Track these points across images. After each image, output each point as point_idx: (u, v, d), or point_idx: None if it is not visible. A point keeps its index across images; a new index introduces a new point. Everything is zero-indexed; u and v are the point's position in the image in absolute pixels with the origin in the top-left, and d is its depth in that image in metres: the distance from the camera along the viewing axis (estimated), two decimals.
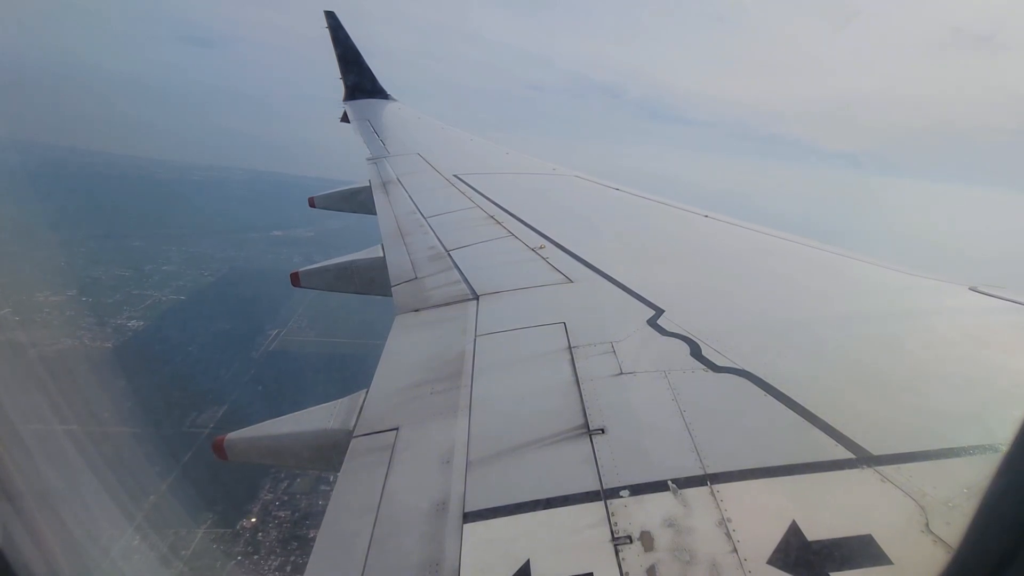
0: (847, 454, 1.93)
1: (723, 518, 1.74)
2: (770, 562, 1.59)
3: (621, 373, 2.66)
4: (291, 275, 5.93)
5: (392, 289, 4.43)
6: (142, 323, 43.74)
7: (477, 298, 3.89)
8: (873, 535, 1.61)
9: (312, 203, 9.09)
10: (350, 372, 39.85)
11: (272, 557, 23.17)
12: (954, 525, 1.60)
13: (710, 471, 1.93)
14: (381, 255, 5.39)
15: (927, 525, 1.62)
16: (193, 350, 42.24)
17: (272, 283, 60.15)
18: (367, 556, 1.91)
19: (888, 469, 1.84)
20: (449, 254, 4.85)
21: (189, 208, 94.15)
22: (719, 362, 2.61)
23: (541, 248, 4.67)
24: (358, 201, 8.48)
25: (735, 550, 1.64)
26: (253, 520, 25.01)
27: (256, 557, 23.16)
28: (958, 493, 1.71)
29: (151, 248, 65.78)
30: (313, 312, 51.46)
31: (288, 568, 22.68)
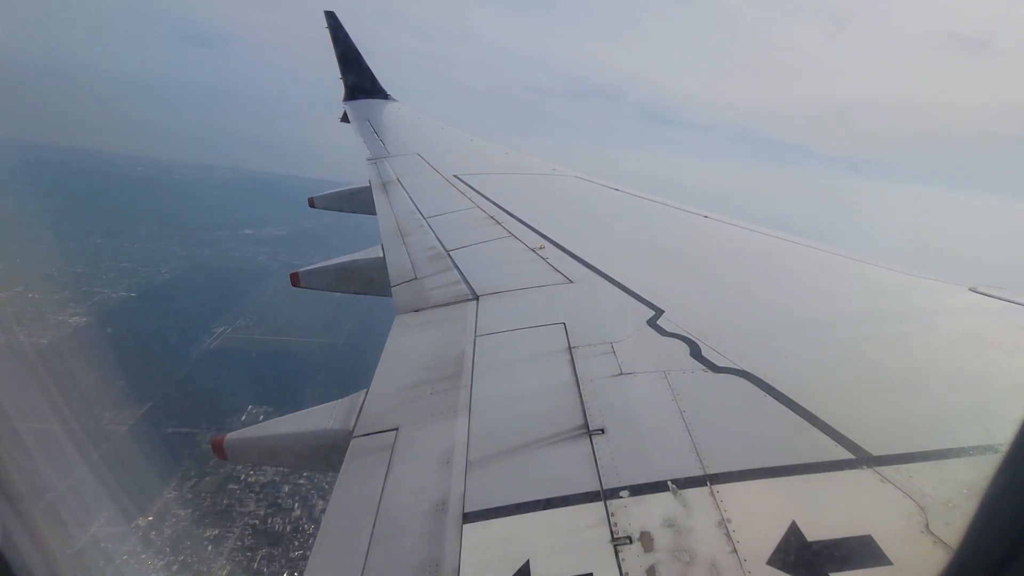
0: (847, 454, 1.93)
1: (723, 518, 1.74)
2: (770, 562, 1.59)
3: (621, 373, 2.66)
4: (291, 275, 5.92)
5: (392, 289, 4.43)
6: (84, 320, 42.48)
7: (477, 298, 3.89)
8: (873, 535, 1.61)
9: (312, 203, 9.11)
10: (291, 370, 40.03)
11: (160, 556, 22.64)
12: (954, 525, 1.60)
13: (710, 471, 1.93)
14: (381, 255, 5.39)
15: (927, 525, 1.62)
16: (130, 347, 41.34)
17: (229, 281, 60.02)
18: (367, 556, 1.91)
19: (888, 469, 1.84)
20: (449, 254, 4.85)
21: (162, 206, 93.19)
22: (719, 362, 2.61)
23: (541, 248, 4.67)
24: (358, 201, 8.48)
25: (735, 550, 1.64)
26: (150, 518, 24.42)
27: (143, 556, 22.53)
28: (958, 493, 1.71)
29: (113, 245, 64.93)
30: (264, 311, 51.28)
31: (175, 568, 22.26)
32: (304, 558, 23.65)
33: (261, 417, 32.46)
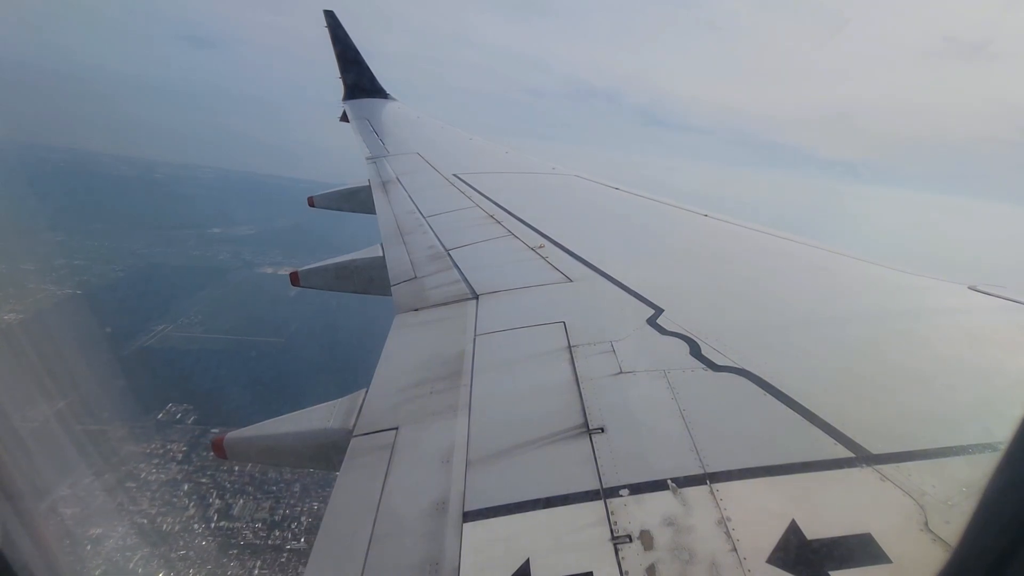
0: (846, 453, 1.93)
1: (723, 517, 1.74)
2: (770, 561, 1.59)
3: (621, 372, 2.66)
4: (291, 275, 5.92)
5: (391, 289, 4.43)
6: (20, 316, 40.73)
7: (477, 297, 3.89)
8: (872, 534, 1.61)
9: (312, 203, 9.13)
10: (224, 368, 39.84)
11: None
12: (953, 524, 1.60)
13: (710, 470, 1.94)
14: (381, 254, 5.39)
15: (926, 524, 1.63)
16: (61, 344, 40.57)
17: (182, 279, 59.58)
18: (367, 555, 1.91)
19: (887, 468, 1.84)
20: (449, 253, 4.85)
21: (135, 204, 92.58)
22: (719, 361, 2.61)
23: (541, 247, 4.67)
24: (358, 200, 8.50)
25: (735, 549, 1.64)
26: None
27: None
28: (957, 492, 1.71)
29: (72, 242, 63.97)
30: (212, 309, 50.94)
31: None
32: (186, 558, 22.92)
33: (179, 415, 32.27)
